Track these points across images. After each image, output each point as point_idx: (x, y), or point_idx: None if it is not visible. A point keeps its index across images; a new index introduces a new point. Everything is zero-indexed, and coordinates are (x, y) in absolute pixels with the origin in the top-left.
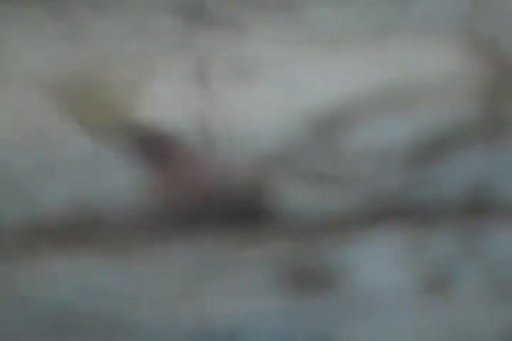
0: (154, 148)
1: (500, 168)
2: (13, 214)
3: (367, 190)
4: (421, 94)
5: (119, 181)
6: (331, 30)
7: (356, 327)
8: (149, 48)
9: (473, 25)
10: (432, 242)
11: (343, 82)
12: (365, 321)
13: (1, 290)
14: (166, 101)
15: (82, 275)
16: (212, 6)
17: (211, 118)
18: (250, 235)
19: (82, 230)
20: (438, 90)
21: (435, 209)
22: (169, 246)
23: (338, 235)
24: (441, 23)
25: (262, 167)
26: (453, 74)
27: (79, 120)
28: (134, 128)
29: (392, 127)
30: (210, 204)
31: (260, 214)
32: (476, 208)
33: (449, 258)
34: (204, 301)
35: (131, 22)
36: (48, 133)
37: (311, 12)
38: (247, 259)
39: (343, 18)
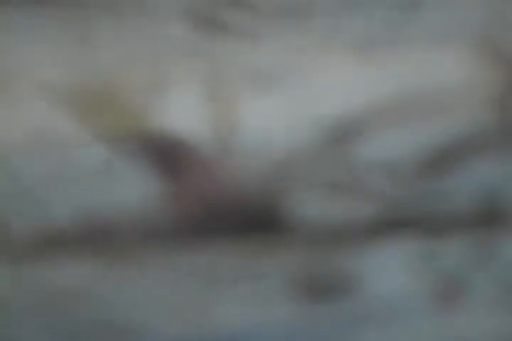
0: (168, 156)
1: None
2: (25, 223)
3: (379, 200)
4: (434, 104)
5: (133, 190)
6: (342, 39)
7: (369, 336)
8: (163, 56)
9: (487, 33)
10: (444, 252)
11: (356, 91)
12: (377, 330)
13: (12, 297)
14: (179, 110)
15: (94, 284)
16: (225, 13)
17: (225, 126)
18: (263, 244)
19: (93, 239)
20: (451, 99)
21: (447, 220)
22: (182, 256)
23: (351, 245)
24: (454, 30)
25: (276, 176)
26: (466, 83)
27: (92, 128)
28: (147, 136)
29: (405, 137)
30: (223, 213)
31: (274, 224)
32: (489, 219)
33: (461, 269)
34: (217, 310)
35: (144, 29)
36: (60, 141)
37: (323, 21)
38: (260, 269)
39: (354, 27)
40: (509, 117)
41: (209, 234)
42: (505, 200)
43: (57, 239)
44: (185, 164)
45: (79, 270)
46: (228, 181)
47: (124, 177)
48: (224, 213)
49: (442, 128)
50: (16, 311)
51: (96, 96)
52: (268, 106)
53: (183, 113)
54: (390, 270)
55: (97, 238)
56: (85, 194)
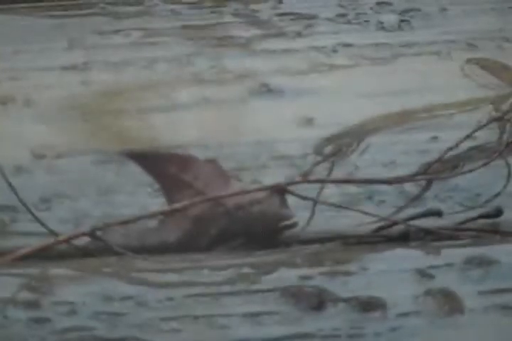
0: (176, 173)
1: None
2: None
3: (381, 206)
4: (440, 111)
5: (140, 205)
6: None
7: None
8: (165, 74)
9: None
10: (443, 258)
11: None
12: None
13: (24, 316)
14: (184, 127)
15: (102, 300)
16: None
17: (236, 141)
18: (268, 258)
19: (98, 254)
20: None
21: (447, 227)
22: (190, 270)
23: (355, 253)
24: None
25: (283, 188)
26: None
27: (97, 147)
28: (154, 153)
29: (409, 142)
30: (231, 226)
31: (280, 237)
32: (489, 226)
33: (459, 276)
34: (230, 325)
35: (147, 49)
36: (66, 159)
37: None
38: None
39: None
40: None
41: (217, 248)
42: (506, 208)
43: (60, 255)
44: (194, 179)
45: (87, 285)
46: (237, 196)
47: (133, 192)
48: (231, 228)
49: (448, 135)
50: (26, 329)
51: (101, 115)
52: (274, 117)
53: (188, 130)
54: (393, 277)
55: (102, 253)
56: (91, 208)
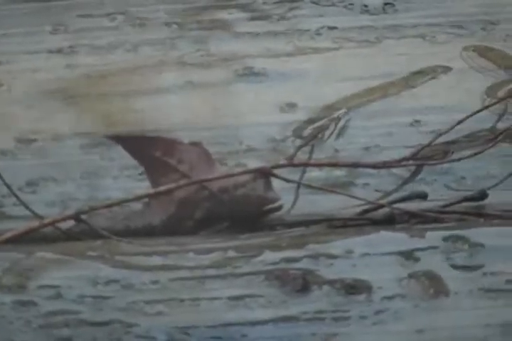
0: (160, 156)
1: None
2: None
3: (366, 189)
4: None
5: (125, 188)
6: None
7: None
8: (149, 58)
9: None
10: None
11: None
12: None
13: (9, 299)
14: (169, 111)
15: (87, 284)
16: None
17: (220, 124)
18: (253, 242)
19: (83, 237)
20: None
21: (431, 210)
22: (175, 254)
23: (341, 236)
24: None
25: (268, 172)
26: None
27: (82, 130)
28: (139, 137)
29: (391, 125)
30: (216, 210)
31: (265, 220)
32: (474, 209)
33: (443, 259)
34: (215, 308)
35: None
36: (53, 142)
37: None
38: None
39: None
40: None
41: (204, 231)
42: (496, 194)
43: (48, 239)
44: (181, 163)
45: (73, 268)
46: (223, 179)
47: (119, 175)
48: (217, 210)
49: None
50: (13, 313)
51: (89, 99)
52: (260, 101)
53: (179, 113)
54: (380, 260)
55: (89, 237)
56: (78, 193)
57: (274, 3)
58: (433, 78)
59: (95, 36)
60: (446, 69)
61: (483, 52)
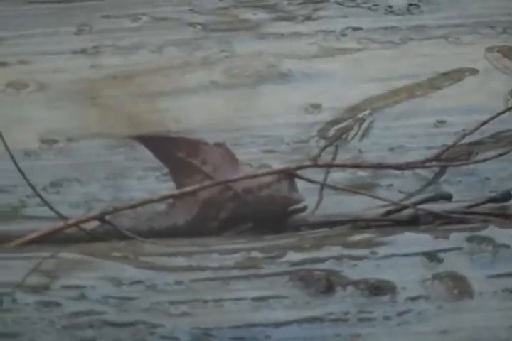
0: (185, 157)
1: None
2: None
3: (390, 190)
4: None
5: (149, 189)
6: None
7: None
8: (174, 58)
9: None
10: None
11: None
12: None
13: (33, 300)
14: (193, 111)
15: (112, 284)
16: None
17: (244, 125)
18: (277, 242)
19: (107, 238)
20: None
21: (456, 211)
22: (199, 254)
23: (365, 238)
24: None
25: (292, 172)
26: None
27: (106, 131)
28: (163, 138)
29: (415, 126)
30: (240, 211)
31: (289, 221)
32: (498, 210)
33: (467, 260)
34: (239, 309)
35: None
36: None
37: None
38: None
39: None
40: None
41: (227, 232)
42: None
43: (73, 241)
44: (203, 164)
45: (97, 269)
46: (245, 181)
47: (142, 177)
48: (240, 212)
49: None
50: (36, 313)
51: (112, 101)
52: (278, 103)
53: (198, 115)
54: (405, 261)
55: (113, 238)
56: (102, 195)
57: (299, 4)
58: (459, 80)
59: (119, 37)
60: (474, 72)
61: (507, 52)
